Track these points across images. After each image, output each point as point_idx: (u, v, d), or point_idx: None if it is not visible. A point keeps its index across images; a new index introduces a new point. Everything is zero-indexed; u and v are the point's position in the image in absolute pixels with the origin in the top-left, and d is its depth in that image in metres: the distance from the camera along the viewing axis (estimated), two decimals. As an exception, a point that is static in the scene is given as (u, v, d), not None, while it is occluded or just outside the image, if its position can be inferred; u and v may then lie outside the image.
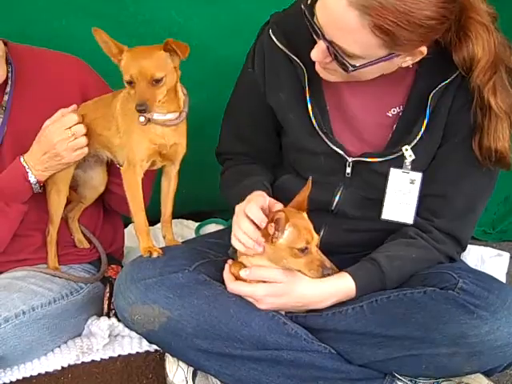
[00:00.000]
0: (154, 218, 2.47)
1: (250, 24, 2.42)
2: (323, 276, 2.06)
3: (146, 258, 2.28)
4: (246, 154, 2.46)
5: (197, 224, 3.43)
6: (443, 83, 2.14)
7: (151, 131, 2.27)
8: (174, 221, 3.30)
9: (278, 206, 2.12)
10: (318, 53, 2.04)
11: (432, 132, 2.18)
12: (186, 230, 3.40)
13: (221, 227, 3.23)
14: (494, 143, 2.12)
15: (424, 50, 2.03)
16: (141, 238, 2.33)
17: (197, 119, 2.40)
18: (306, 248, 2.04)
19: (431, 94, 2.14)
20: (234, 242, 2.14)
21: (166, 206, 2.43)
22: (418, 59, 2.07)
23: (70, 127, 2.36)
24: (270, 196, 2.20)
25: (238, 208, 2.16)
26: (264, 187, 2.29)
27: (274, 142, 2.44)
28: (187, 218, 3.45)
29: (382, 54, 2.00)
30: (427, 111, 2.14)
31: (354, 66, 2.00)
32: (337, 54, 1.99)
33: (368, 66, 2.03)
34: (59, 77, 2.55)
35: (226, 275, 2.21)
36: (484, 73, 2.08)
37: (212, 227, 3.37)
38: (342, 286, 2.17)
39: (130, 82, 2.16)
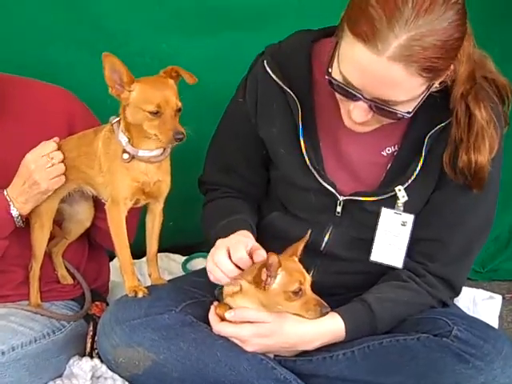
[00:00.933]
0: (139, 251, 2.44)
1: (240, 56, 2.42)
2: (322, 315, 2.03)
3: (131, 298, 2.24)
4: (230, 186, 2.40)
5: (184, 258, 3.38)
6: (440, 126, 2.12)
7: (134, 169, 2.23)
8: (159, 254, 3.24)
9: (261, 252, 2.08)
10: (360, 114, 1.99)
11: (427, 174, 2.16)
12: (172, 264, 3.34)
13: (208, 262, 3.15)
14: (474, 155, 2.08)
15: (452, 67, 2.01)
16: (126, 277, 2.29)
17: (184, 150, 2.36)
18: (300, 290, 2.01)
19: (427, 136, 2.12)
20: (209, 274, 2.11)
21: (151, 243, 2.39)
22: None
23: (47, 154, 2.32)
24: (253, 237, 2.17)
25: (220, 241, 2.11)
26: (249, 227, 2.24)
27: (262, 176, 2.39)
28: (174, 252, 3.40)
29: (424, 88, 1.97)
30: (423, 152, 2.12)
31: (408, 112, 1.98)
32: (384, 107, 1.96)
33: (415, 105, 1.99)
34: (44, 107, 2.50)
35: (212, 317, 2.17)
36: (465, 81, 2.06)
37: (200, 261, 3.31)
38: (331, 325, 2.13)
39: (156, 112, 2.13)
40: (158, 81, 2.18)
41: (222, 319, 2.14)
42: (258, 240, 2.20)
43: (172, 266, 3.31)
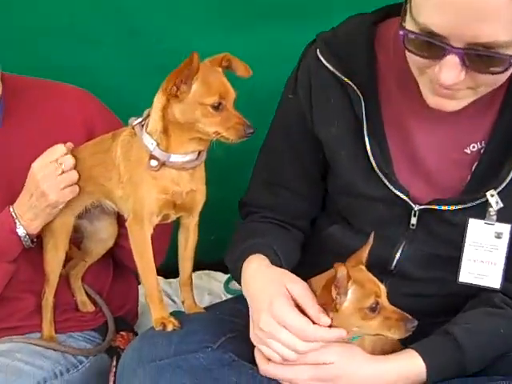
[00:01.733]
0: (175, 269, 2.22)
1: (282, 52, 2.30)
2: (409, 331, 1.79)
3: (158, 332, 1.98)
4: (275, 208, 2.15)
5: (226, 276, 3.17)
6: None
7: (164, 177, 2.01)
8: (199, 273, 3.19)
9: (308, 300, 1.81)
10: (451, 72, 1.71)
11: None
12: (213, 283, 3.18)
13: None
14: None
15: None
16: (152, 307, 2.04)
17: (228, 154, 2.16)
18: (377, 303, 1.78)
19: None
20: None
21: (185, 265, 2.15)
22: None
23: (55, 159, 2.12)
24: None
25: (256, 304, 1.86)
26: (269, 252, 1.99)
27: (317, 190, 2.14)
28: (215, 269, 3.23)
29: None
30: None
31: (509, 55, 1.67)
32: (481, 52, 1.67)
33: None
34: (60, 111, 2.32)
35: (259, 355, 1.87)
36: None
37: (245, 280, 3.10)
38: (409, 366, 1.85)
39: (218, 105, 1.93)
40: (212, 69, 1.97)
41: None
42: (312, 259, 2.00)
43: (213, 285, 3.16)
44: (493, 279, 1.97)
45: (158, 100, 1.98)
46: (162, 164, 1.99)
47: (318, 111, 2.04)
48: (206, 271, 3.20)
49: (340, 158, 2.03)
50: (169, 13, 2.81)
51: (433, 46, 1.70)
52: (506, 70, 1.70)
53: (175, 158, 2.00)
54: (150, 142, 1.99)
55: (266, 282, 1.85)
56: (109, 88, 2.57)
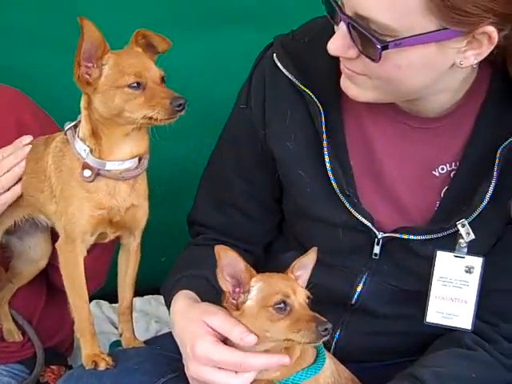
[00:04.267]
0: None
1: (245, 55, 2.18)
2: (321, 337, 1.66)
3: (88, 371, 1.85)
4: (223, 229, 2.07)
5: None
6: None
7: (99, 190, 1.90)
8: (147, 297, 3.11)
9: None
10: (336, 40, 1.69)
11: (500, 202, 1.84)
12: (162, 309, 3.02)
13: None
14: None
15: (492, 32, 1.62)
16: (82, 341, 1.91)
17: (180, 169, 2.35)
18: (284, 302, 1.67)
19: (500, 149, 1.81)
20: None
21: (124, 291, 2.02)
22: (483, 55, 1.66)
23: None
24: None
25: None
26: (203, 284, 1.91)
27: (270, 212, 2.06)
28: None
29: (428, 27, 1.61)
30: (494, 172, 1.81)
31: (383, 41, 1.62)
32: (361, 29, 1.64)
33: (407, 47, 1.62)
34: None
35: None
36: None
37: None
38: None
39: (138, 84, 1.82)
40: (127, 51, 1.88)
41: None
42: None
43: (161, 311, 3.04)
44: (463, 319, 1.90)
45: (82, 100, 1.89)
46: (97, 174, 1.88)
47: (272, 124, 1.95)
48: (155, 296, 3.08)
49: (296, 178, 1.94)
50: (125, 14, 2.73)
51: (332, 7, 1.69)
52: (378, 59, 1.65)
53: (111, 166, 1.87)
54: (82, 149, 1.89)
55: (186, 324, 1.73)
56: (47, 91, 2.54)
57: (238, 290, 1.69)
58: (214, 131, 2.22)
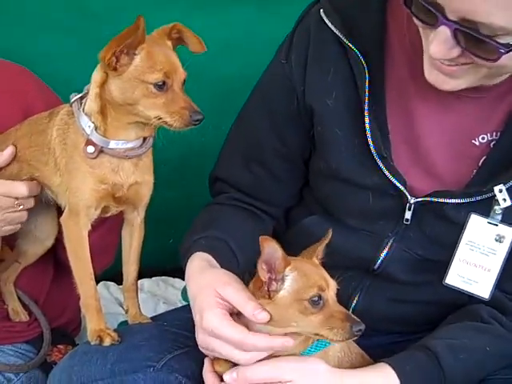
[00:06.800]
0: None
1: (254, 39, 2.33)
2: (354, 336, 1.65)
3: (93, 347, 1.82)
4: (247, 189, 2.02)
5: (185, 283, 2.88)
6: None
7: (102, 166, 1.87)
8: (155, 279, 3.10)
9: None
10: (439, 45, 1.62)
11: None
12: (170, 290, 3.08)
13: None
14: None
15: None
16: (88, 317, 1.89)
17: (189, 150, 2.26)
18: (320, 297, 1.64)
19: None
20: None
21: (129, 268, 2.00)
22: None
23: (14, 197, 1.99)
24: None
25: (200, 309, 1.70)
26: (222, 247, 1.88)
27: (298, 173, 2.02)
28: (173, 276, 3.15)
29: None
30: None
31: (507, 45, 1.57)
32: (475, 34, 1.57)
33: None
34: None
35: (208, 376, 1.72)
36: None
37: (205, 287, 3.02)
38: (380, 382, 1.74)
39: (162, 85, 1.77)
40: (159, 42, 1.81)
41: (223, 378, 1.71)
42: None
43: (170, 293, 3.07)
44: (483, 287, 1.85)
45: (96, 74, 1.83)
46: (100, 151, 1.85)
47: (313, 80, 1.91)
48: (164, 277, 3.10)
49: (332, 136, 1.90)
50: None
51: (429, 12, 1.61)
52: (497, 59, 1.61)
53: (115, 145, 1.84)
54: (86, 125, 1.85)
55: (198, 290, 1.72)
56: (55, 70, 2.48)
57: (269, 275, 1.67)
58: (220, 109, 2.21)
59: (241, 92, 2.07)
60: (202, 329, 1.64)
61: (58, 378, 1.76)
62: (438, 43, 1.63)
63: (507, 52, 1.58)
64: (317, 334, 1.67)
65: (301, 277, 1.68)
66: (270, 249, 1.64)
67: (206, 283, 1.71)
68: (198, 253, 1.83)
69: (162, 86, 1.76)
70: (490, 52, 1.60)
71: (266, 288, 1.65)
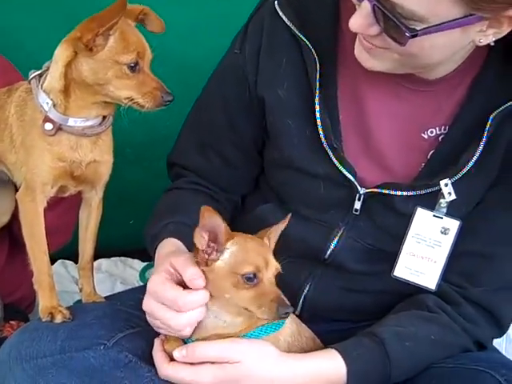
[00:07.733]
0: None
1: (222, 21, 2.31)
2: (280, 318, 1.68)
3: (44, 324, 1.81)
4: (204, 172, 2.06)
5: (143, 264, 3.09)
6: (509, 103, 1.79)
7: (60, 143, 1.85)
8: (114, 259, 3.10)
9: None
10: (359, 18, 1.68)
11: (484, 167, 1.85)
12: (129, 271, 3.07)
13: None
14: None
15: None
16: (40, 293, 1.87)
17: (153, 133, 2.27)
18: (255, 276, 1.66)
19: (491, 116, 1.80)
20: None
21: (85, 246, 2.00)
22: (502, 34, 1.68)
23: None
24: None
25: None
26: (188, 232, 1.85)
27: (252, 162, 2.04)
28: (132, 257, 3.13)
29: (456, 14, 1.61)
30: (484, 138, 1.81)
31: (413, 29, 1.62)
32: (388, 14, 1.62)
33: (434, 33, 1.62)
34: None
35: (158, 355, 1.75)
36: None
37: (163, 269, 3.03)
38: (327, 367, 1.75)
39: (134, 65, 1.78)
40: (128, 23, 1.81)
41: (173, 358, 1.74)
42: None
43: (128, 273, 3.07)
44: (429, 278, 1.89)
45: (62, 53, 1.80)
46: (58, 128, 1.84)
47: (265, 71, 1.94)
48: (122, 258, 3.10)
49: (284, 127, 1.93)
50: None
51: None
52: (404, 43, 1.66)
53: (74, 123, 1.84)
54: (44, 102, 1.83)
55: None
56: (14, 42, 2.50)
57: (212, 245, 1.68)
58: (186, 94, 2.18)
59: (206, 76, 2.07)
60: (148, 292, 1.68)
61: (7, 352, 1.74)
62: (357, 16, 1.68)
63: (412, 37, 1.61)
64: (246, 309, 1.69)
65: (240, 252, 1.70)
66: (213, 220, 1.66)
67: (168, 258, 1.75)
68: (168, 239, 1.85)
69: (134, 67, 1.76)
70: (400, 35, 1.63)
71: (206, 256, 1.68)
